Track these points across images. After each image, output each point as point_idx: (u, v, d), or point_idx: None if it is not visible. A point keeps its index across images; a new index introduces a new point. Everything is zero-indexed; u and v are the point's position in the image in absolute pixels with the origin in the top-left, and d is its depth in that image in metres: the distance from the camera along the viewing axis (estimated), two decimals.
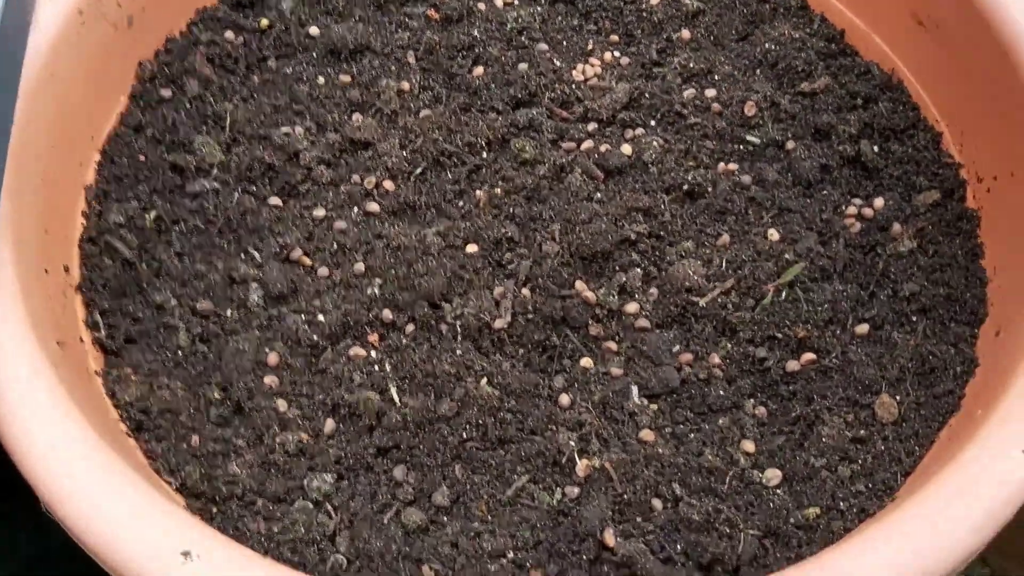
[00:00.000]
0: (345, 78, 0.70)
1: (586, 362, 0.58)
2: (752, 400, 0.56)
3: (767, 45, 0.71)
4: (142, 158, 0.63)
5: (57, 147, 0.58)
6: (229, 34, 0.70)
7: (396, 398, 0.54)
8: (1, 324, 0.46)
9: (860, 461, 0.52)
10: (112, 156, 0.63)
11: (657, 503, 0.51)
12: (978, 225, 0.61)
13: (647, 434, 0.55)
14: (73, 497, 0.42)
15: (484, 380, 0.55)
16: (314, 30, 0.71)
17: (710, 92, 0.69)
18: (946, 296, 0.58)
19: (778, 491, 0.52)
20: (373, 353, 0.57)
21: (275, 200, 0.64)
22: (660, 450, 0.54)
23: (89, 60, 0.62)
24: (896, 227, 0.61)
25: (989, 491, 0.41)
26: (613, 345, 0.59)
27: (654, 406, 0.56)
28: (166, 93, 0.66)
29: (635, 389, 0.57)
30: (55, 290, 0.54)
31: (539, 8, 0.74)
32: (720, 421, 0.55)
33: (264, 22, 0.71)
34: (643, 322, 0.59)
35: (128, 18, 0.65)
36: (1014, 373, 0.46)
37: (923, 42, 0.66)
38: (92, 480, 0.42)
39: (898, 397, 0.54)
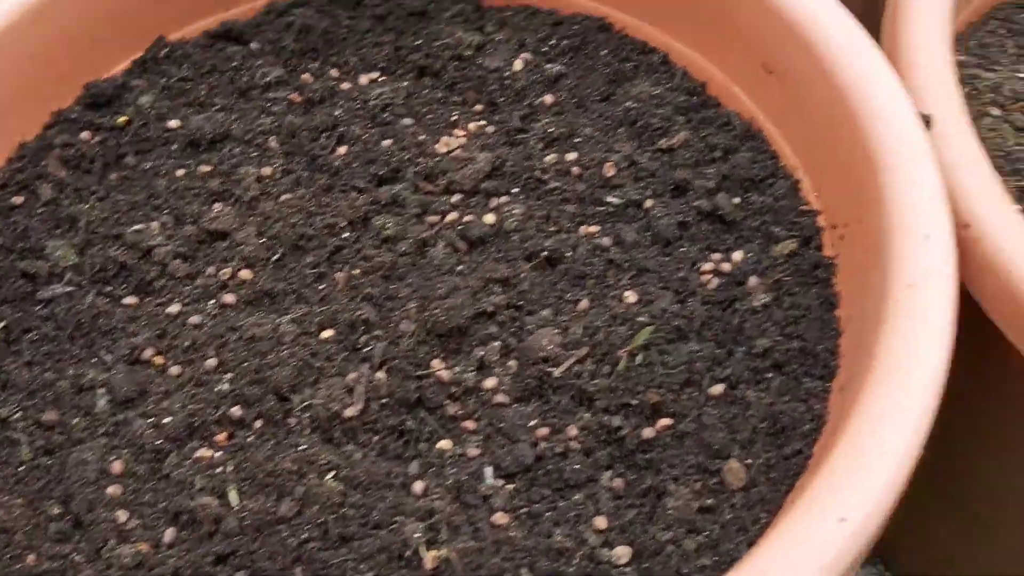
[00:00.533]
0: (205, 168, 0.70)
1: (444, 444, 0.57)
2: (609, 472, 0.55)
3: (628, 104, 0.71)
4: None
5: None
6: (85, 134, 0.70)
7: (234, 502, 0.53)
8: None
9: (707, 532, 0.50)
10: None
11: None
12: (834, 273, 0.60)
13: (500, 517, 0.53)
14: None
15: (330, 474, 0.54)
16: (174, 123, 0.71)
17: (571, 155, 0.69)
18: (800, 350, 0.56)
19: (627, 569, 0.50)
20: (218, 454, 0.55)
21: (130, 299, 0.63)
22: (512, 533, 0.52)
23: None
24: (752, 280, 0.60)
25: (807, 563, 0.40)
26: (471, 424, 0.57)
27: (510, 486, 0.55)
28: (17, 200, 0.66)
29: (489, 470, 0.55)
30: None
31: (404, 84, 0.75)
32: (575, 497, 0.54)
33: (122, 119, 0.71)
34: (501, 397, 0.58)
35: None
36: (844, 432, 0.44)
37: (775, 90, 0.66)
38: None
39: (748, 460, 0.52)
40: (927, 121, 0.57)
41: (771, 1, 0.64)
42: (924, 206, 0.50)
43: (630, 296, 0.61)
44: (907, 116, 0.54)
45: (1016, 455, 0.64)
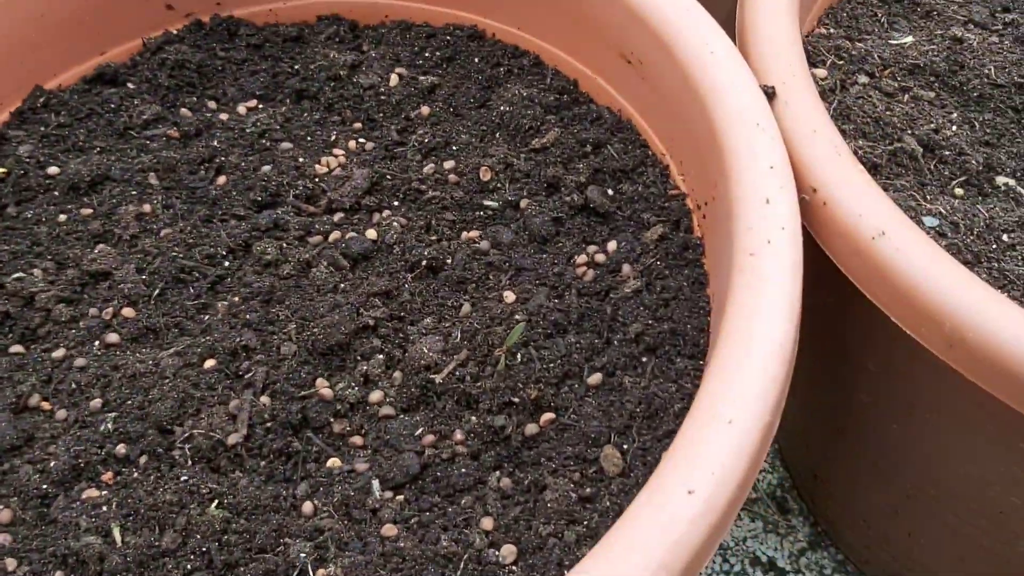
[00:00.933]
0: (87, 211, 0.69)
1: (333, 462, 0.57)
2: (498, 472, 0.55)
3: (502, 107, 0.72)
4: None
5: None
6: None
7: (118, 539, 0.52)
8: None
9: (586, 523, 0.50)
10: None
11: None
12: (703, 253, 0.61)
13: (389, 529, 0.53)
14: None
15: (214, 503, 0.54)
16: (53, 169, 0.71)
17: (448, 163, 0.70)
18: (671, 331, 0.57)
19: (515, 567, 0.50)
20: (103, 493, 0.55)
21: (17, 348, 0.63)
22: (401, 544, 0.52)
23: None
24: (625, 268, 0.61)
25: (652, 542, 0.40)
26: (359, 439, 0.58)
27: (400, 497, 0.55)
28: None
29: (376, 483, 0.55)
30: None
31: (282, 109, 0.75)
32: (464, 500, 0.54)
33: (1, 170, 0.70)
34: (387, 409, 0.58)
35: None
36: (693, 409, 0.45)
37: (634, 79, 0.67)
38: None
39: (624, 446, 0.53)
40: (770, 94, 0.58)
41: None
42: (763, 174, 0.51)
43: (509, 296, 0.62)
44: (747, 90, 0.56)
45: (913, 415, 0.65)
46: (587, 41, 0.69)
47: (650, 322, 0.58)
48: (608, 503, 0.51)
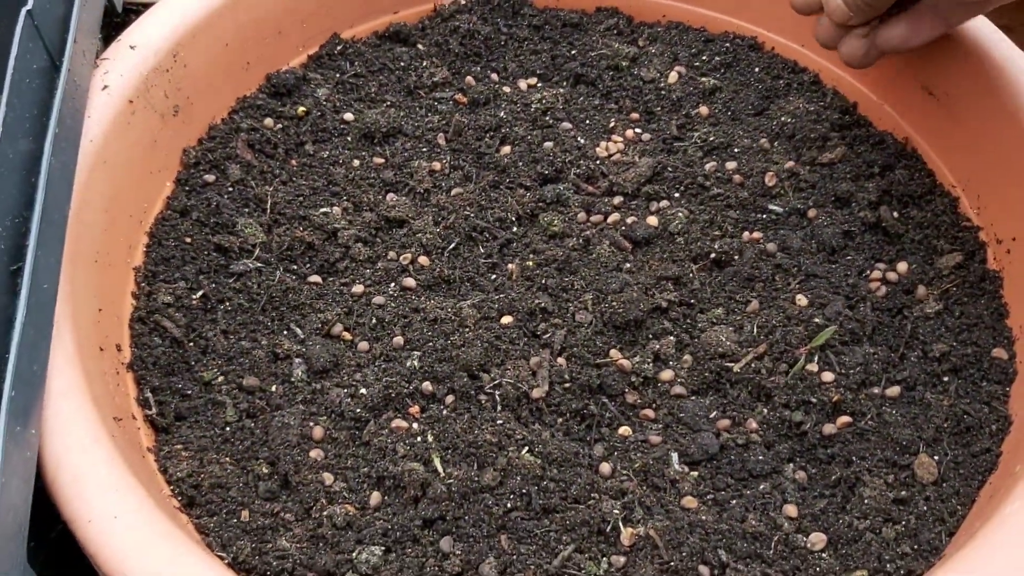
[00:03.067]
0: (379, 160, 0.73)
1: (624, 430, 0.59)
2: (791, 464, 0.57)
3: (783, 118, 0.74)
4: (188, 240, 0.65)
5: (108, 230, 0.61)
6: (268, 121, 0.73)
7: (440, 468, 0.55)
8: (64, 398, 0.47)
9: (904, 522, 0.52)
10: (160, 238, 0.65)
11: (704, 570, 0.51)
12: (1001, 286, 0.62)
13: (689, 501, 0.55)
14: (133, 567, 0.42)
15: (525, 449, 0.56)
16: (348, 116, 0.75)
17: (731, 164, 0.72)
18: (975, 355, 0.59)
19: (824, 555, 0.52)
20: (415, 425, 0.58)
21: (315, 278, 0.66)
22: (703, 517, 0.54)
23: (138, 147, 0.65)
24: (921, 290, 0.63)
25: None
26: (651, 412, 0.60)
27: (695, 473, 0.57)
28: (209, 178, 0.69)
29: (675, 456, 0.57)
30: (109, 368, 0.55)
31: (561, 90, 0.78)
32: (761, 486, 0.56)
33: (301, 109, 0.74)
34: (679, 389, 0.60)
35: (174, 108, 0.68)
36: None
37: (934, 112, 0.69)
38: (154, 550, 0.43)
39: (936, 457, 0.55)
40: None
41: None
42: None
43: (802, 299, 0.63)
44: None
45: None
46: (882, 68, 0.71)
47: (953, 344, 0.60)
48: (925, 507, 0.53)
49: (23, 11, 0.54)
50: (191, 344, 0.61)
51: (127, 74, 0.64)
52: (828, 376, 0.59)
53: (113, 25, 0.73)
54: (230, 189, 0.69)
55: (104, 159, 0.61)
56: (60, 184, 0.55)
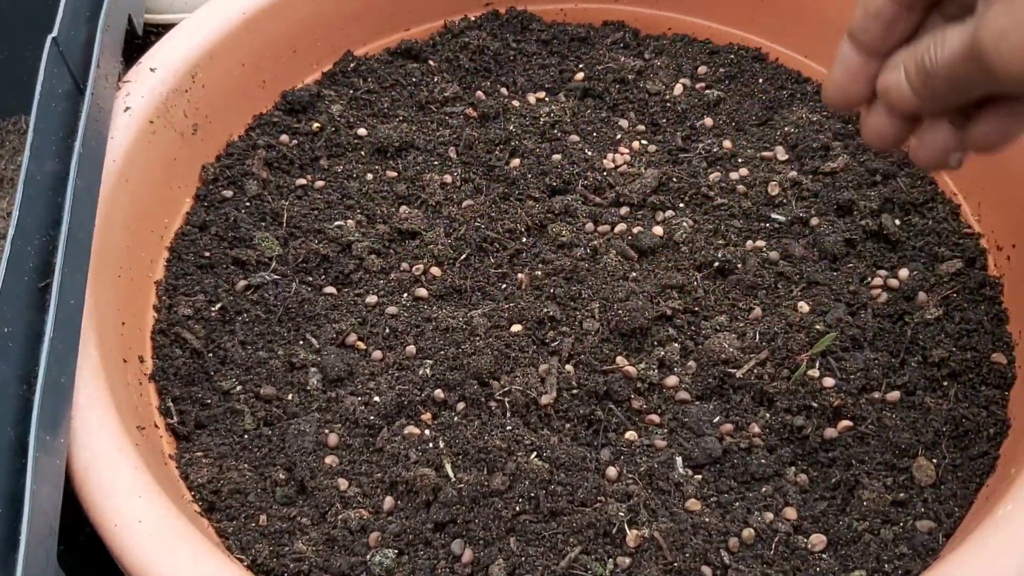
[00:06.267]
0: (392, 174, 0.75)
1: (630, 435, 0.60)
2: (793, 468, 0.58)
3: (786, 128, 0.75)
4: (207, 254, 0.68)
5: (131, 246, 0.63)
6: (284, 137, 0.75)
7: (451, 473, 0.57)
8: (91, 409, 0.50)
9: (902, 524, 0.53)
10: (179, 253, 0.67)
11: (707, 570, 0.53)
12: (1001, 292, 0.63)
13: (693, 503, 0.57)
14: (157, 569, 0.45)
15: (534, 454, 0.58)
16: (362, 131, 0.77)
17: (734, 175, 0.73)
18: (974, 360, 0.60)
19: (824, 556, 0.53)
20: (427, 431, 0.60)
21: (330, 289, 0.68)
22: (707, 519, 0.56)
23: (158, 166, 0.67)
24: (921, 296, 0.64)
25: None
26: (656, 418, 0.61)
27: (698, 476, 0.59)
28: (227, 193, 0.71)
29: (679, 460, 0.59)
30: (132, 379, 0.58)
31: (569, 103, 0.80)
32: (763, 489, 0.57)
33: (316, 125, 0.76)
34: (683, 394, 0.62)
35: (193, 126, 0.70)
36: None
37: None
38: (176, 553, 0.45)
39: (935, 460, 0.56)
40: None
41: None
42: None
43: (803, 306, 0.65)
44: None
45: None
46: None
47: (953, 349, 0.61)
48: (922, 509, 0.54)
49: (49, 38, 0.57)
50: (210, 355, 0.63)
51: (147, 96, 0.67)
52: (829, 381, 0.60)
53: (134, 47, 0.76)
54: (247, 204, 0.71)
55: (126, 178, 0.64)
56: (85, 203, 0.58)
